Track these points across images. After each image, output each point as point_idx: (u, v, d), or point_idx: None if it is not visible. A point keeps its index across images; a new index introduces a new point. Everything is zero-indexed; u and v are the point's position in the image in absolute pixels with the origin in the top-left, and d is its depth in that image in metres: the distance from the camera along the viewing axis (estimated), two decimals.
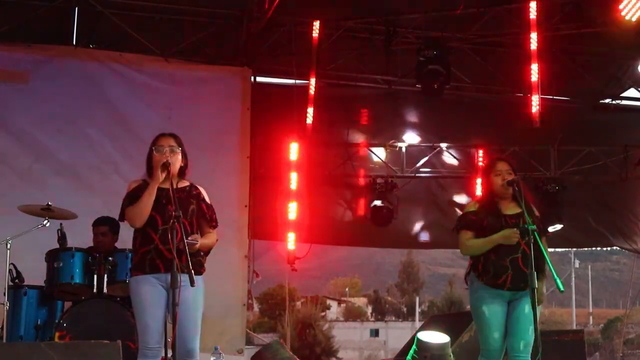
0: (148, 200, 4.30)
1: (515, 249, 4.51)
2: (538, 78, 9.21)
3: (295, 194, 9.92)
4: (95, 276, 6.12)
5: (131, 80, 9.10)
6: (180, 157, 4.45)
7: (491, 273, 4.58)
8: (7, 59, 8.74)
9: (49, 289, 6.22)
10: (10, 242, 6.02)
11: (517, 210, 4.59)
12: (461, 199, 10.59)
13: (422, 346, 5.92)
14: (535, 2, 9.14)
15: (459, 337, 6.78)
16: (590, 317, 50.80)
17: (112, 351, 4.58)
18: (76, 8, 9.28)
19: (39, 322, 6.21)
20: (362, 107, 10.43)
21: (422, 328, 7.55)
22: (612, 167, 10.25)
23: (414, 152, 10.46)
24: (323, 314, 41.05)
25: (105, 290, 6.12)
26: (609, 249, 13.66)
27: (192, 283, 4.07)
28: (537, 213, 4.70)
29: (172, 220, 4.12)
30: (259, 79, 9.95)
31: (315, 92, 9.69)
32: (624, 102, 10.99)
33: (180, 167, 4.46)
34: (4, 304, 6.03)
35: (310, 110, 9.70)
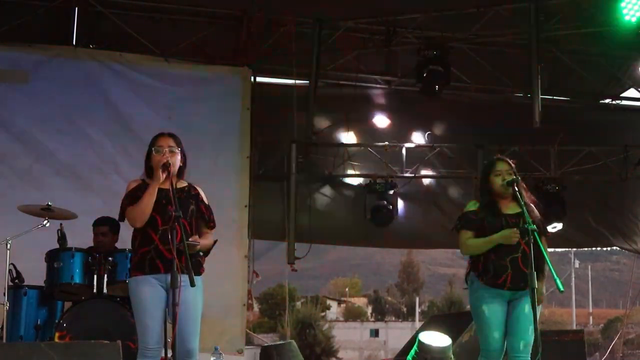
0: (149, 201, 4.30)
1: (515, 249, 4.50)
2: (538, 78, 9.21)
3: (296, 193, 9.93)
4: (95, 276, 6.11)
5: (131, 80, 9.07)
6: (179, 157, 4.45)
7: (491, 273, 4.57)
8: (7, 59, 8.72)
9: (49, 289, 6.21)
10: (10, 242, 6.02)
11: (518, 210, 4.58)
12: (461, 199, 10.58)
13: (424, 348, 5.93)
14: (535, 2, 9.14)
15: (459, 337, 6.79)
16: (590, 317, 50.79)
17: (112, 351, 4.57)
18: (76, 8, 9.27)
19: (39, 322, 6.20)
20: (362, 107, 10.43)
21: (422, 328, 7.56)
22: (612, 167, 10.24)
23: (414, 152, 10.46)
24: (323, 314, 41.05)
25: (105, 290, 6.11)
26: (609, 249, 13.66)
27: (192, 283, 4.07)
28: (537, 213, 4.70)
29: (172, 221, 4.12)
30: (259, 79, 9.92)
31: (315, 92, 9.67)
32: (624, 102, 10.99)
33: (179, 168, 4.46)
34: (4, 304, 6.03)
35: (310, 111, 9.71)
